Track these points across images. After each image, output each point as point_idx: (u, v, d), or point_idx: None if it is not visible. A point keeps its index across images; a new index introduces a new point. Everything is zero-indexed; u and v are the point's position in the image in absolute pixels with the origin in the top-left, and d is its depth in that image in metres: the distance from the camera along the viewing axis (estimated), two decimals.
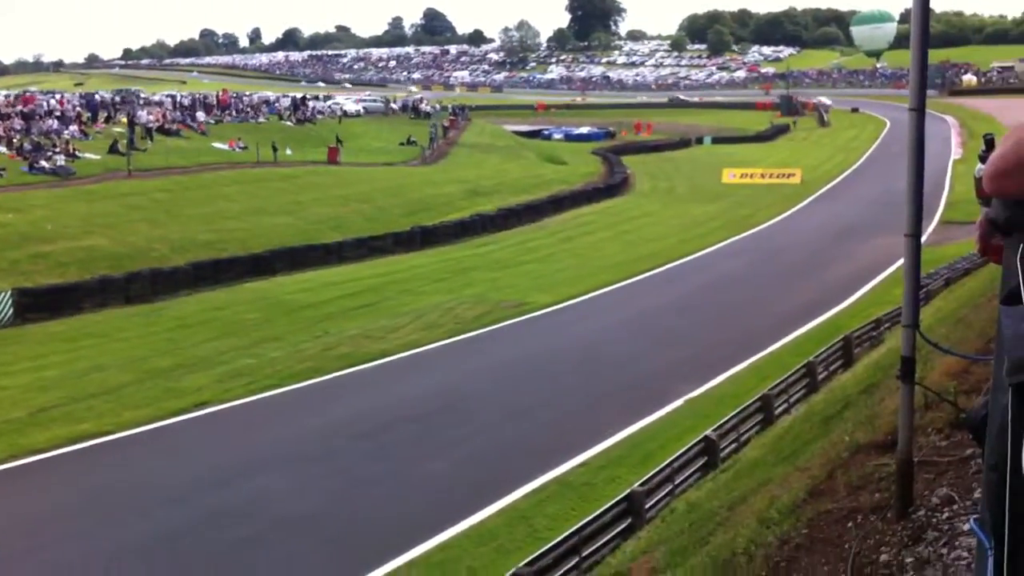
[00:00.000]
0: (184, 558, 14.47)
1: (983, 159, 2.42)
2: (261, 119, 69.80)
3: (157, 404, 21.30)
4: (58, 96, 69.56)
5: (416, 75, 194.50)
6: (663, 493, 15.09)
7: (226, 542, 14.82)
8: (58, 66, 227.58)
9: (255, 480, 17.22)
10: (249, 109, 72.43)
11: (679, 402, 21.24)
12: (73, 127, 53.51)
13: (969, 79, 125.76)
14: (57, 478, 17.78)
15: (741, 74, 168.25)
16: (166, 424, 19.91)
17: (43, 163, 45.53)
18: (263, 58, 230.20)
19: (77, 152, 48.73)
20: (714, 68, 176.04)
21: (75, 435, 19.42)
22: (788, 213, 51.76)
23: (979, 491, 4.52)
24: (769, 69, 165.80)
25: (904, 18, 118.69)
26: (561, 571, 12.43)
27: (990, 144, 2.48)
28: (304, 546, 14.59)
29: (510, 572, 11.71)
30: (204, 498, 16.43)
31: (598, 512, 13.67)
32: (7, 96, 66.35)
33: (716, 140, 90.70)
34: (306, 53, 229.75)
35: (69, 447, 18.90)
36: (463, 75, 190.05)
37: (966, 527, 4.28)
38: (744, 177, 66.43)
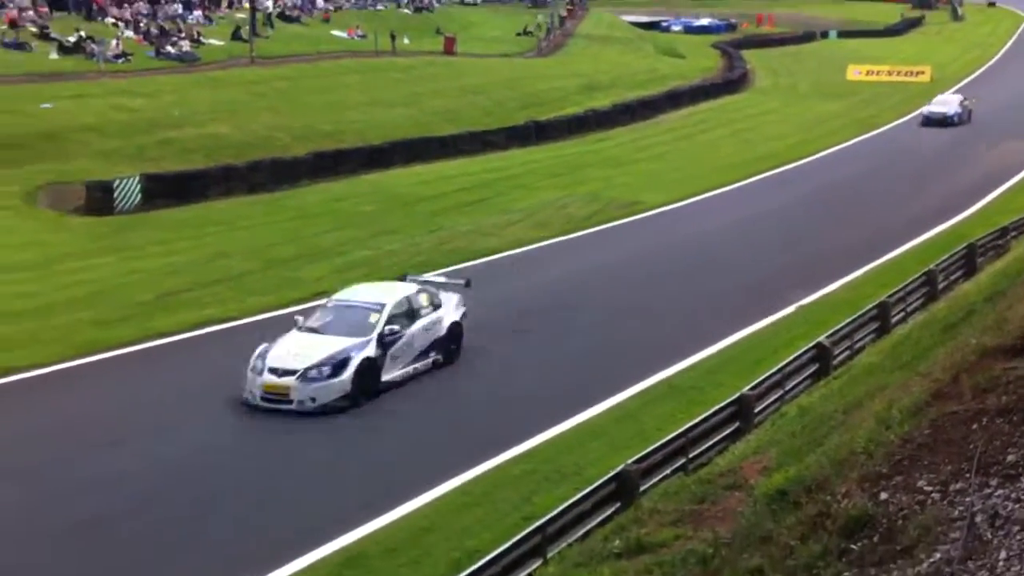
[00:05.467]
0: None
1: None
2: (380, 6, 69.99)
3: (278, 292, 21.93)
4: None
5: None
6: (773, 398, 15.14)
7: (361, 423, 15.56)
8: None
9: None
10: None
11: (792, 308, 21.06)
12: (197, 12, 54.28)
13: None
14: (182, 360, 18.50)
15: None
16: (286, 312, 20.28)
17: (169, 48, 46.45)
18: None
19: (202, 38, 49.56)
20: None
21: (200, 320, 20.17)
22: (915, 114, 49.87)
23: None
24: None
25: None
26: (669, 470, 12.66)
27: None
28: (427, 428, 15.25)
29: (618, 468, 11.96)
30: None
31: (707, 414, 13.77)
32: None
33: (842, 34, 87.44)
34: None
35: (194, 332, 19.62)
36: None
37: None
38: (870, 74, 64.18)
